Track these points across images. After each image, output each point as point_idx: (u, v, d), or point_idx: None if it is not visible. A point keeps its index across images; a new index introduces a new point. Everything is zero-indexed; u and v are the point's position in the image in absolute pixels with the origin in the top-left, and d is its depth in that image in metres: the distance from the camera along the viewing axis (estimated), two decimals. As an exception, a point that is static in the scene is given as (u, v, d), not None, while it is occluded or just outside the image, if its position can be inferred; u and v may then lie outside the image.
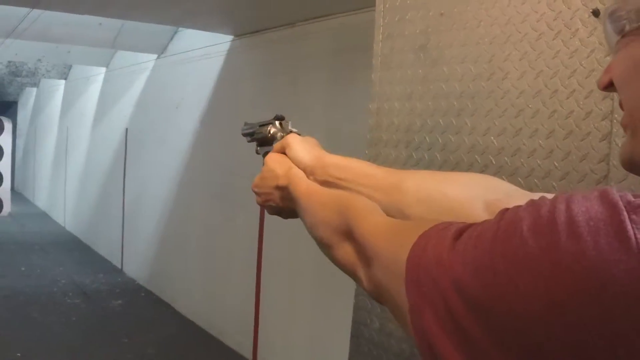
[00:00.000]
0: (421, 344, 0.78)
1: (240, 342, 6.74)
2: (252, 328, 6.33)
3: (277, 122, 1.66)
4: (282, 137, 1.61)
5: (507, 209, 0.74)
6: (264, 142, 1.68)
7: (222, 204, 7.21)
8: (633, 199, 0.64)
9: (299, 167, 1.47)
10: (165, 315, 8.28)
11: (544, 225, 0.67)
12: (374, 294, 0.98)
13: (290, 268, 5.95)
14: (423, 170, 1.78)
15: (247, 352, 6.54)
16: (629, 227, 0.61)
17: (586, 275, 0.62)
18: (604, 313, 0.60)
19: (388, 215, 1.11)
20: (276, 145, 1.59)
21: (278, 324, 6.18)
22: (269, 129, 1.66)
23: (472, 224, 0.78)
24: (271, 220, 6.25)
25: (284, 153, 1.54)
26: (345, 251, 1.10)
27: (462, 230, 0.78)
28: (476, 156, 1.82)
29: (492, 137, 1.78)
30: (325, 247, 1.18)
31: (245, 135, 1.76)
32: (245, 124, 1.76)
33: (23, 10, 7.47)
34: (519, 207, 0.72)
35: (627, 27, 0.82)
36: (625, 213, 0.62)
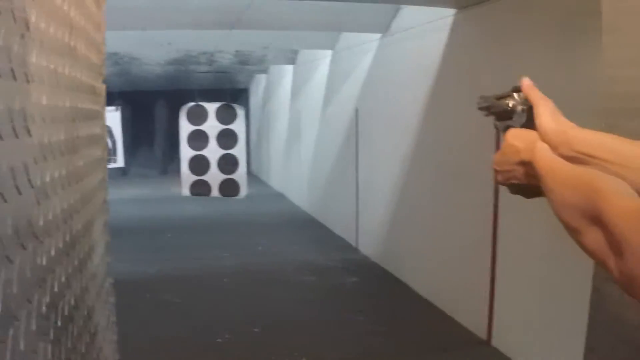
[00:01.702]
0: None
1: (474, 321, 6.67)
2: (487, 307, 6.24)
3: (515, 94, 1.56)
4: (523, 110, 1.53)
5: None
6: (503, 116, 1.57)
7: (453, 181, 7.14)
8: None
9: (543, 140, 1.35)
10: (398, 292, 8.34)
11: None
12: (625, 286, 0.91)
13: (524, 245, 5.80)
14: None
15: (481, 331, 6.47)
16: None
17: None
18: None
19: None
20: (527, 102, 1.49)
21: (512, 303, 6.05)
22: (507, 101, 1.56)
23: None
24: (503, 197, 6.15)
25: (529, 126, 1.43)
26: (594, 238, 1.01)
27: None
28: None
29: None
30: (572, 232, 1.09)
31: (481, 109, 1.68)
32: (481, 97, 1.65)
33: (245, 0, 7.71)
34: None
35: None
36: None
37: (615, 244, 0.93)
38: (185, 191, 16.94)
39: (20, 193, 1.03)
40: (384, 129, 9.35)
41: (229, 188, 16.70)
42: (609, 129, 1.93)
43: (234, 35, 10.59)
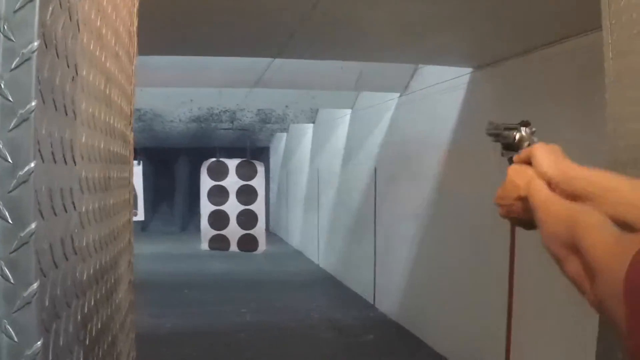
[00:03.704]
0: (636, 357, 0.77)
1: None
2: (505, 360, 6.26)
3: (523, 129, 1.65)
4: (529, 145, 1.61)
5: None
6: (509, 147, 1.67)
7: (473, 238, 7.19)
8: None
9: (544, 179, 1.46)
10: (415, 349, 8.34)
11: None
12: (597, 308, 0.98)
13: (541, 302, 5.83)
14: None
15: (500, 385, 6.47)
16: None
17: None
18: None
19: (635, 230, 1.11)
20: (521, 153, 1.58)
21: (532, 354, 6.07)
22: (514, 134, 1.65)
23: None
24: (525, 246, 6.16)
25: (529, 163, 1.53)
26: (574, 266, 1.10)
27: None
28: None
29: None
30: (557, 260, 1.19)
31: (490, 135, 1.76)
32: (490, 123, 1.75)
33: (267, 60, 7.88)
34: None
35: None
36: None
37: (590, 271, 1.01)
38: (204, 246, 16.99)
39: (66, 211, 1.15)
40: (402, 188, 9.43)
41: (248, 243, 16.73)
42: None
43: (255, 94, 10.77)
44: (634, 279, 0.80)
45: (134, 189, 2.80)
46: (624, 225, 1.15)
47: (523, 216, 1.51)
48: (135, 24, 2.29)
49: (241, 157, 17.26)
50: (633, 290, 0.80)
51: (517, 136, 1.65)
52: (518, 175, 1.53)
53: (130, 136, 2.33)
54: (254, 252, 16.54)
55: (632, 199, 1.27)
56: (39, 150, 0.99)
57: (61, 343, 1.12)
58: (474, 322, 7.16)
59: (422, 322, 8.72)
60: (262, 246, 16.74)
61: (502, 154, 1.70)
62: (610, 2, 2.09)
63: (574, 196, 1.35)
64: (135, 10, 2.28)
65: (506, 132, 1.69)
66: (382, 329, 9.35)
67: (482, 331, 6.96)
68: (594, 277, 0.99)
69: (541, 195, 1.41)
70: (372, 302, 10.67)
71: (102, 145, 1.54)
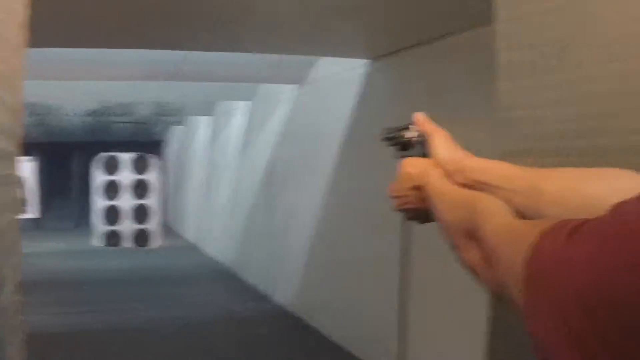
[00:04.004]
0: (536, 343, 0.78)
1: (388, 363, 6.75)
2: (396, 347, 6.33)
3: (412, 127, 1.66)
4: (420, 142, 1.63)
5: (622, 202, 0.73)
6: (403, 147, 1.68)
7: (368, 228, 7.25)
8: None
9: (440, 167, 1.47)
10: (313, 340, 8.37)
11: None
12: (496, 295, 1.00)
13: (434, 286, 5.93)
14: (564, 168, 1.70)
15: (397, 373, 6.55)
16: None
17: None
18: None
19: (527, 217, 1.12)
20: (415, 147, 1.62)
21: (426, 345, 6.17)
22: (404, 133, 1.67)
23: (588, 220, 0.76)
24: (419, 238, 6.23)
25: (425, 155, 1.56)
26: (472, 252, 1.12)
27: (578, 227, 0.77)
28: (618, 157, 1.76)
29: (634, 137, 1.72)
30: (454, 248, 1.21)
31: (384, 140, 1.76)
32: (384, 128, 1.76)
33: (163, 52, 7.79)
34: (632, 200, 0.72)
35: None
36: None
37: (488, 257, 1.03)
38: (99, 242, 16.74)
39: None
40: (298, 179, 9.46)
41: (143, 239, 16.57)
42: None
43: (151, 87, 10.62)
44: (533, 265, 0.81)
45: (23, 186, 2.73)
46: (519, 214, 1.16)
47: (418, 206, 1.51)
48: (25, 14, 2.22)
49: (137, 151, 17.06)
50: (532, 276, 0.81)
51: (408, 135, 1.67)
52: (412, 166, 1.55)
53: (19, 131, 2.25)
54: (150, 247, 16.39)
55: (524, 185, 1.28)
56: None
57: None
58: (369, 311, 7.23)
59: (318, 312, 8.77)
60: (158, 241, 16.61)
61: (395, 156, 1.72)
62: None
63: (469, 185, 1.37)
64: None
65: (399, 133, 1.71)
66: (279, 320, 9.37)
67: (378, 320, 7.04)
68: (494, 264, 1.00)
69: (438, 183, 1.42)
70: (269, 294, 10.66)
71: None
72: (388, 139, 1.74)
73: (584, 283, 0.70)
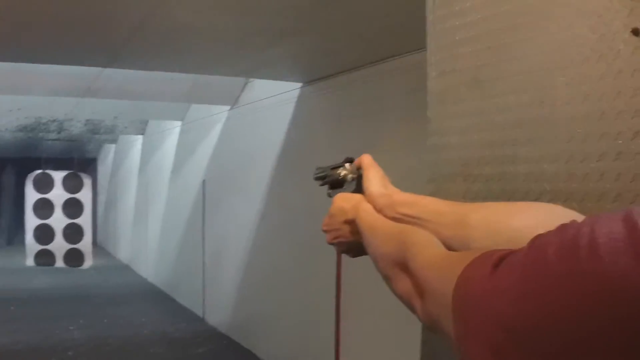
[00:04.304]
0: None
1: (322, 386, 6.76)
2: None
3: (347, 164, 1.70)
4: (353, 178, 1.67)
5: (540, 235, 0.76)
6: (335, 185, 1.72)
7: (301, 250, 7.26)
8: None
9: (371, 202, 1.51)
10: (245, 360, 8.37)
11: (568, 249, 0.69)
12: (428, 325, 1.02)
13: (371, 308, 5.97)
14: (490, 202, 1.77)
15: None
16: None
17: (606, 293, 0.64)
18: (624, 328, 0.63)
19: (455, 249, 1.16)
20: (356, 161, 1.66)
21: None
22: (339, 171, 1.71)
23: (512, 251, 0.80)
24: (350, 262, 6.26)
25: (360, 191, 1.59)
26: (403, 284, 1.13)
27: (503, 258, 0.80)
28: (531, 184, 1.84)
29: (545, 164, 1.79)
30: (386, 279, 1.23)
31: (317, 179, 1.80)
32: (317, 168, 1.80)
33: (97, 69, 7.71)
34: (549, 232, 0.75)
35: None
36: None
37: (419, 288, 1.05)
38: (30, 261, 16.43)
39: None
40: (231, 200, 9.43)
41: (74, 258, 16.31)
42: (434, 193, 2.11)
43: (84, 104, 10.49)
44: (462, 295, 0.84)
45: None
46: (448, 247, 1.19)
47: (351, 239, 1.56)
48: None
49: (69, 169, 16.83)
50: (461, 305, 0.84)
51: (342, 173, 1.70)
52: (344, 200, 1.59)
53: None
54: (81, 267, 16.15)
55: (453, 220, 1.32)
56: None
57: None
58: (304, 331, 7.24)
59: (252, 333, 8.74)
60: (90, 261, 16.38)
61: (329, 195, 1.75)
62: (435, 23, 2.20)
63: (399, 219, 1.40)
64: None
65: (331, 172, 1.74)
66: (212, 341, 9.30)
67: (312, 340, 7.05)
68: (424, 295, 1.02)
69: (369, 217, 1.46)
70: (201, 316, 10.60)
71: None
72: (321, 177, 1.77)
73: (508, 311, 0.74)
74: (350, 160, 1.72)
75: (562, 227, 0.74)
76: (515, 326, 0.73)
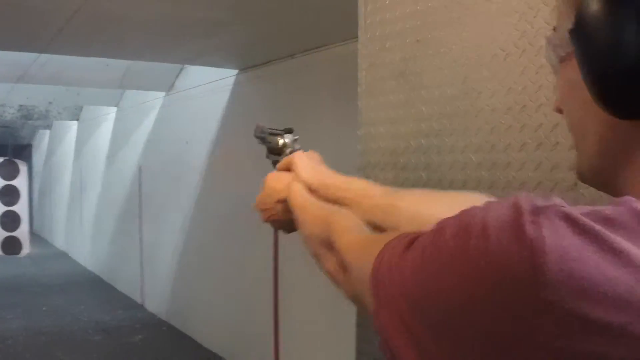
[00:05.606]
0: (381, 343, 0.88)
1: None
2: (272, 353, 6.40)
3: (287, 135, 1.78)
4: (291, 151, 1.74)
5: (444, 219, 0.82)
6: (274, 151, 1.79)
7: (237, 235, 7.28)
8: (542, 203, 0.72)
9: (304, 182, 1.58)
10: (186, 347, 8.36)
11: (462, 229, 0.76)
12: (351, 299, 1.10)
13: (308, 290, 6.03)
14: (419, 190, 1.84)
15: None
16: (528, 227, 0.69)
17: (490, 268, 0.70)
18: (506, 301, 0.69)
19: (383, 231, 1.23)
20: (283, 161, 1.71)
21: (299, 350, 6.25)
22: (278, 140, 1.78)
23: (423, 233, 0.86)
24: (288, 245, 6.31)
25: (290, 169, 1.66)
26: (330, 262, 1.21)
27: (414, 239, 0.86)
28: (457, 173, 1.91)
29: (470, 154, 1.87)
30: (315, 257, 1.31)
31: (257, 137, 1.85)
32: (258, 126, 1.85)
33: (32, 55, 7.62)
34: (452, 216, 0.81)
35: (562, 53, 0.90)
36: (526, 216, 0.70)
37: (343, 266, 1.13)
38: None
39: None
40: (167, 186, 9.40)
41: (11, 246, 16.09)
42: (365, 180, 2.17)
43: (17, 89, 10.34)
44: (377, 272, 0.91)
45: None
46: (376, 228, 1.27)
47: (283, 218, 1.64)
48: None
49: (3, 156, 16.57)
50: (377, 283, 0.90)
51: (281, 142, 1.78)
52: (276, 180, 1.67)
53: None
54: (18, 255, 15.94)
55: (382, 204, 1.40)
56: None
57: None
58: (243, 317, 7.27)
59: (191, 320, 8.76)
60: (27, 249, 16.17)
61: (267, 157, 1.83)
62: (366, 17, 2.26)
63: (331, 201, 1.48)
64: None
65: (271, 137, 1.80)
66: (152, 328, 9.29)
67: (251, 325, 7.09)
68: (347, 272, 1.10)
69: (299, 197, 1.54)
70: (140, 302, 10.57)
71: None
72: (260, 138, 1.82)
73: (409, 283, 0.82)
74: (290, 131, 1.80)
75: (462, 212, 0.80)
76: (414, 296, 0.80)
